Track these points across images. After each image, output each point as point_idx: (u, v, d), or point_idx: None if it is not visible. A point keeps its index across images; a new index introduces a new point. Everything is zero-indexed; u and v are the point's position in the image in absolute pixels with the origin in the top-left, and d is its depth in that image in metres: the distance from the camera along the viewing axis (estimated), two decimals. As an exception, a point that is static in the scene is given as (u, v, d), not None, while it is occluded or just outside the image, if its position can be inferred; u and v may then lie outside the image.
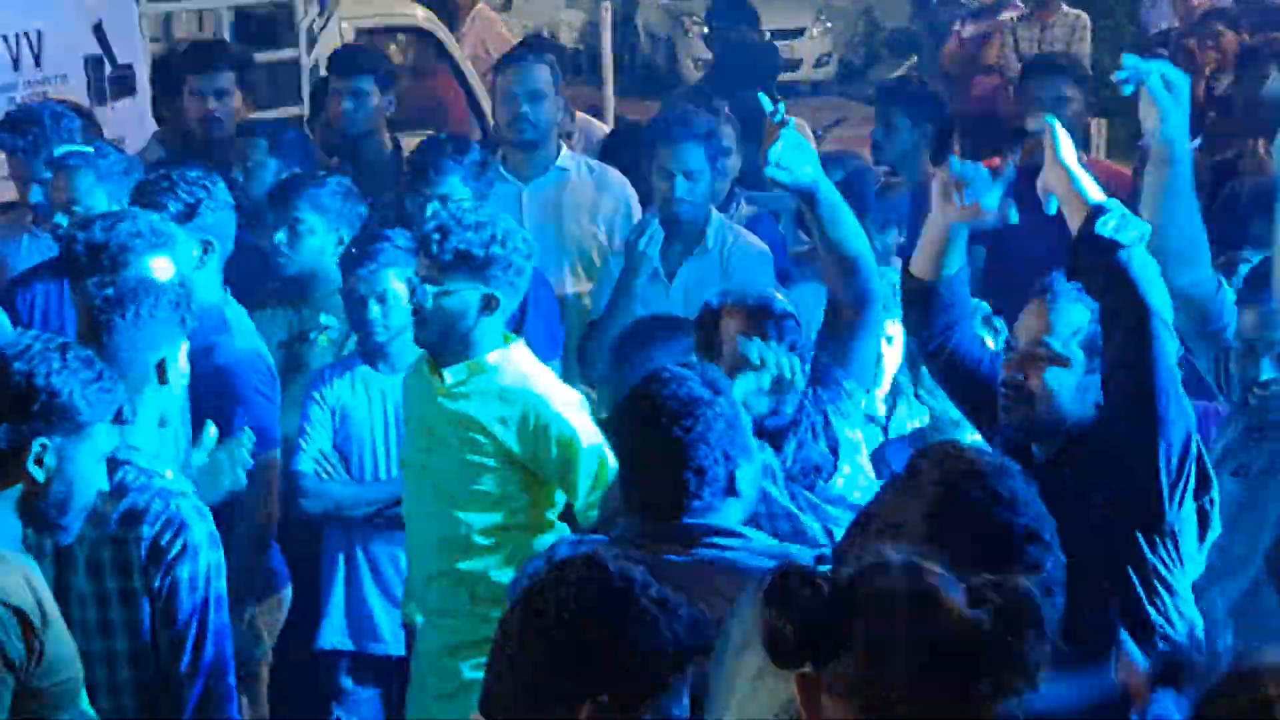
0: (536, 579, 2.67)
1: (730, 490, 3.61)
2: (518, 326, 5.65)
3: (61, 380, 3.30)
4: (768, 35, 20.50)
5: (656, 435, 3.58)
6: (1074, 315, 3.75)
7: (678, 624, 2.58)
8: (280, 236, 5.60)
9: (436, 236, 4.57)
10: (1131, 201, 3.95)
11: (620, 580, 2.60)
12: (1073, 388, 3.73)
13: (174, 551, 3.85)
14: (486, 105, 8.56)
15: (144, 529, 3.82)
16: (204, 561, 3.88)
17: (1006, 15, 11.28)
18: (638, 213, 6.70)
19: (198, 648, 3.88)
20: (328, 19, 8.74)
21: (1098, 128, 12.84)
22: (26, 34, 7.59)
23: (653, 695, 2.55)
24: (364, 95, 7.00)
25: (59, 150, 5.78)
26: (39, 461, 3.31)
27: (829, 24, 20.56)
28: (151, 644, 3.88)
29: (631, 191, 6.79)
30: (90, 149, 5.81)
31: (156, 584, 3.83)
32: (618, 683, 2.53)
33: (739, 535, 3.60)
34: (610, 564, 2.64)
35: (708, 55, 20.34)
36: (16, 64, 7.54)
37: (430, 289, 4.55)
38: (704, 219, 6.13)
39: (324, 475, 5.28)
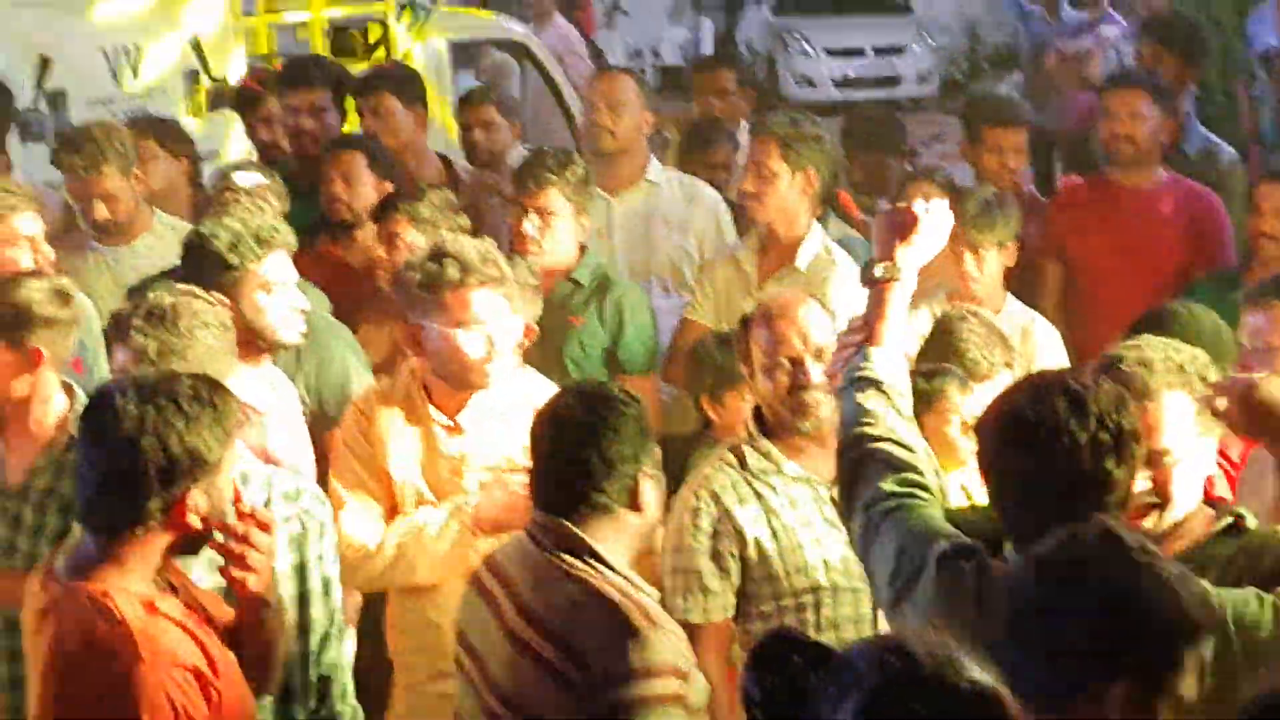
0: (1048, 554, 2.63)
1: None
2: (615, 341, 5.65)
3: (195, 436, 3.26)
4: (869, 52, 20.50)
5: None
6: (1179, 405, 3.39)
7: (1193, 598, 2.57)
8: (381, 252, 5.61)
9: None
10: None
11: (1141, 552, 2.58)
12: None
13: (315, 528, 3.99)
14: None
15: (295, 507, 3.96)
16: (329, 540, 4.03)
17: (1109, 31, 11.14)
18: (729, 227, 6.66)
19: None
20: (421, 31, 8.79)
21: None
22: (126, 48, 7.70)
23: (1172, 672, 2.53)
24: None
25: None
26: (196, 512, 3.30)
27: (931, 40, 20.47)
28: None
29: (724, 206, 6.74)
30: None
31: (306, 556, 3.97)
32: (1143, 657, 2.51)
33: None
34: (1126, 535, 2.62)
35: (810, 71, 20.40)
36: (116, 77, 7.64)
37: None
38: (799, 235, 5.94)
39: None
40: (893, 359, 3.61)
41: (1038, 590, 2.59)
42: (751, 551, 4.36)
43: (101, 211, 6.07)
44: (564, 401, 3.71)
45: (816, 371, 4.34)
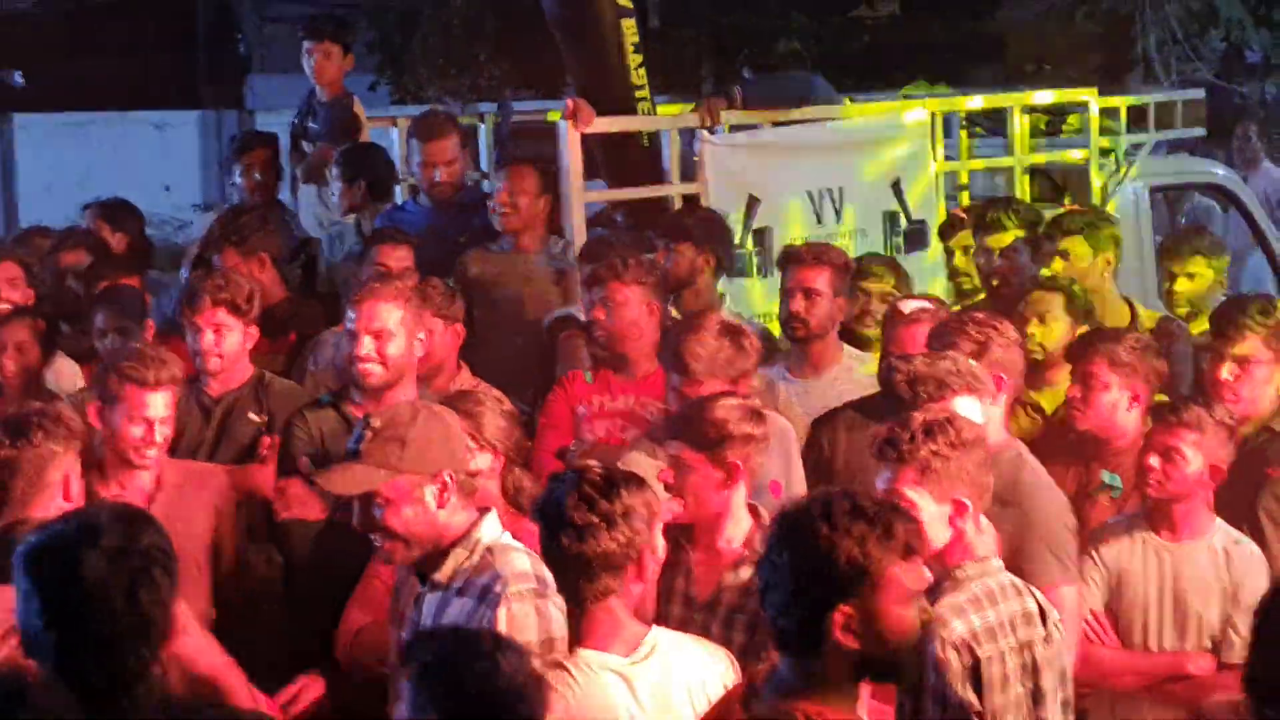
0: None
1: None
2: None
3: (861, 543, 3.27)
4: None
5: None
6: None
7: None
8: (1074, 392, 5.59)
9: None
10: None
11: None
12: None
13: None
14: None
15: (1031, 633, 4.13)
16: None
17: None
18: None
19: None
20: (1122, 177, 8.72)
21: None
22: (829, 189, 8.00)
23: None
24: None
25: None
26: (846, 631, 3.27)
27: None
28: None
29: None
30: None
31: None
32: None
33: None
34: None
35: None
36: (820, 218, 7.95)
37: None
38: None
39: (1092, 638, 5.13)
40: None
41: None
42: None
43: (800, 303, 6.27)
44: None
45: None
